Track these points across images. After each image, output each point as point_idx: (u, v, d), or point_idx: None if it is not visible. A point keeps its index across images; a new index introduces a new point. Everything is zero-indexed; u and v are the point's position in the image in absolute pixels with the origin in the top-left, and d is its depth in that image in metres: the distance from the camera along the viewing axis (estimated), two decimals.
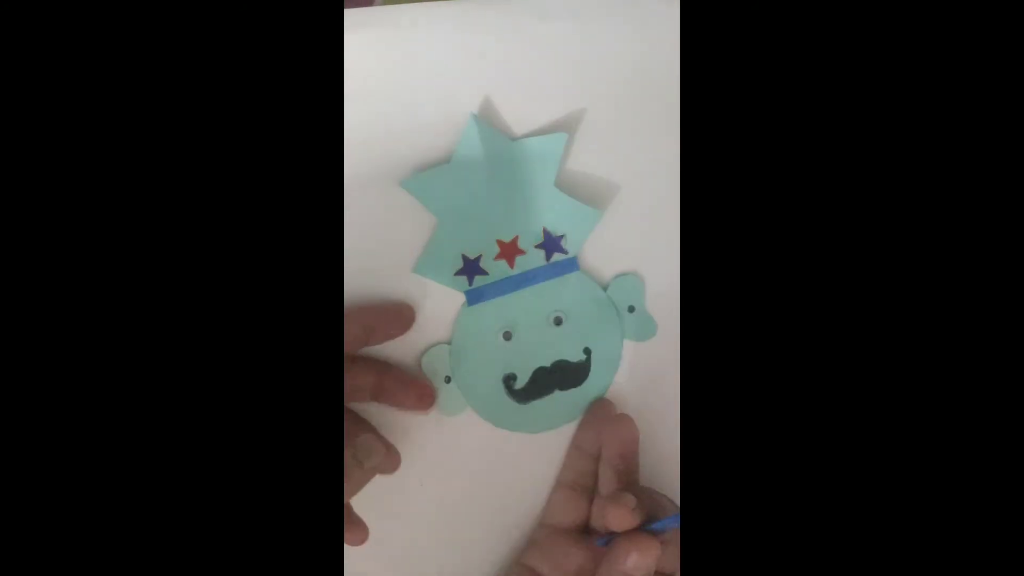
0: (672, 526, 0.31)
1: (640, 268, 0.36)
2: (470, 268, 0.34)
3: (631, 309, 0.36)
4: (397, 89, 0.32)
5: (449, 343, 0.34)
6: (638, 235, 0.36)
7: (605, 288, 0.35)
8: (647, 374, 0.37)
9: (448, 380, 0.34)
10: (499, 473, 0.36)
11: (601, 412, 0.36)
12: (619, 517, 0.31)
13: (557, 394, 0.36)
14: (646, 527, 0.31)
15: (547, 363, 0.35)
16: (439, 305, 0.35)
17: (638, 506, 0.31)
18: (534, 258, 0.34)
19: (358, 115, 0.31)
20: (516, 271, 0.34)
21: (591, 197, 0.35)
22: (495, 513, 0.37)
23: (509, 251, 0.34)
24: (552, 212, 0.34)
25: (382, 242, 0.33)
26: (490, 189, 0.33)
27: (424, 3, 0.32)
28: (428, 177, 0.33)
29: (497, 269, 0.34)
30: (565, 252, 0.34)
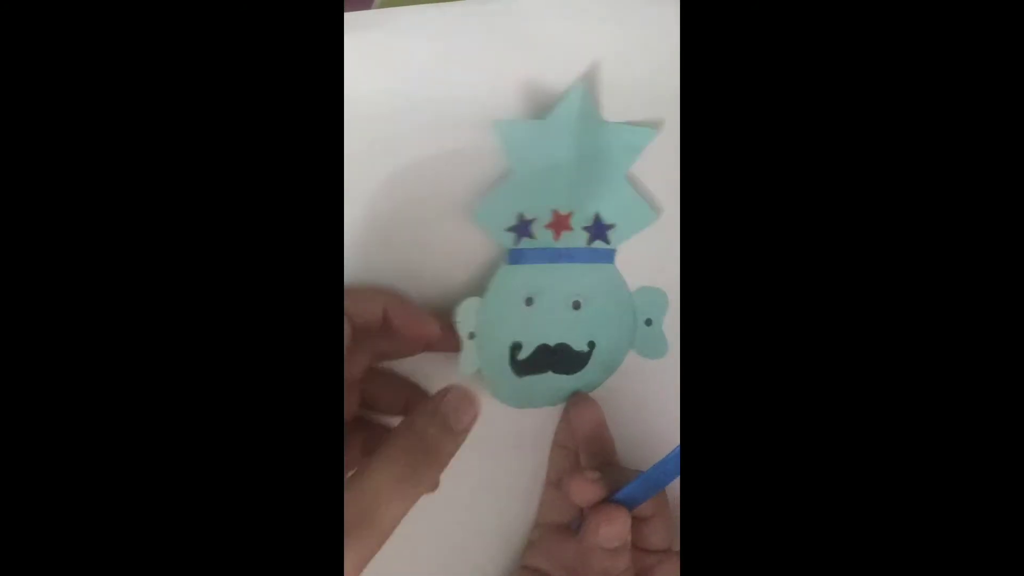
0: (640, 495, 0.31)
1: (671, 288, 0.36)
2: (522, 228, 0.33)
3: (648, 322, 0.36)
4: (395, 91, 0.31)
5: (481, 297, 0.33)
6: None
7: (631, 292, 0.36)
8: (641, 390, 0.37)
9: (472, 336, 0.33)
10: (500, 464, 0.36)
11: (572, 401, 0.36)
12: (579, 490, 0.31)
13: (550, 375, 0.35)
14: (612, 498, 0.31)
15: (552, 342, 0.35)
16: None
17: (601, 479, 0.31)
18: (577, 237, 0.34)
19: (358, 115, 0.31)
20: (558, 244, 0.34)
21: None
22: (495, 512, 0.36)
23: (560, 223, 0.34)
24: (612, 200, 0.34)
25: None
26: (570, 159, 0.33)
27: (422, 6, 0.32)
28: (521, 128, 0.32)
29: (543, 237, 0.34)
30: (607, 242, 0.35)
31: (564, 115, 0.32)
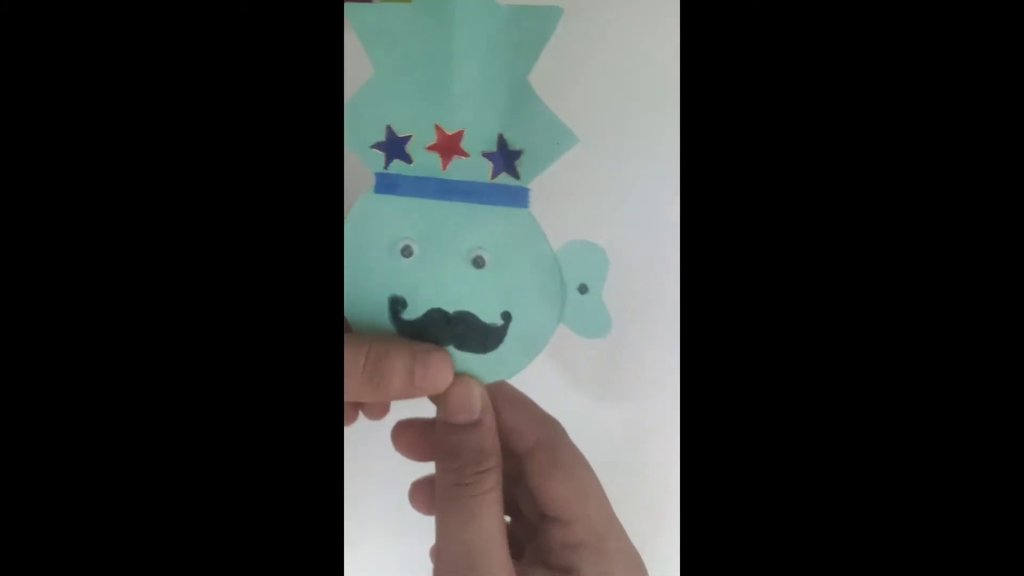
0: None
1: (607, 242, 0.27)
2: (392, 146, 0.26)
3: (583, 289, 0.27)
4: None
5: None
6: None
7: (555, 249, 0.27)
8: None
9: None
10: None
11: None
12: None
13: (452, 351, 0.26)
14: None
15: (449, 308, 0.26)
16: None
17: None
18: (476, 168, 0.26)
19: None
20: (448, 175, 0.26)
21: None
22: None
23: (447, 146, 0.26)
24: (517, 116, 0.26)
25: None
26: (450, 55, 0.26)
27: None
28: (379, 11, 0.25)
29: (425, 163, 0.26)
30: (517, 177, 0.26)
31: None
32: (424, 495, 0.31)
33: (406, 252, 0.26)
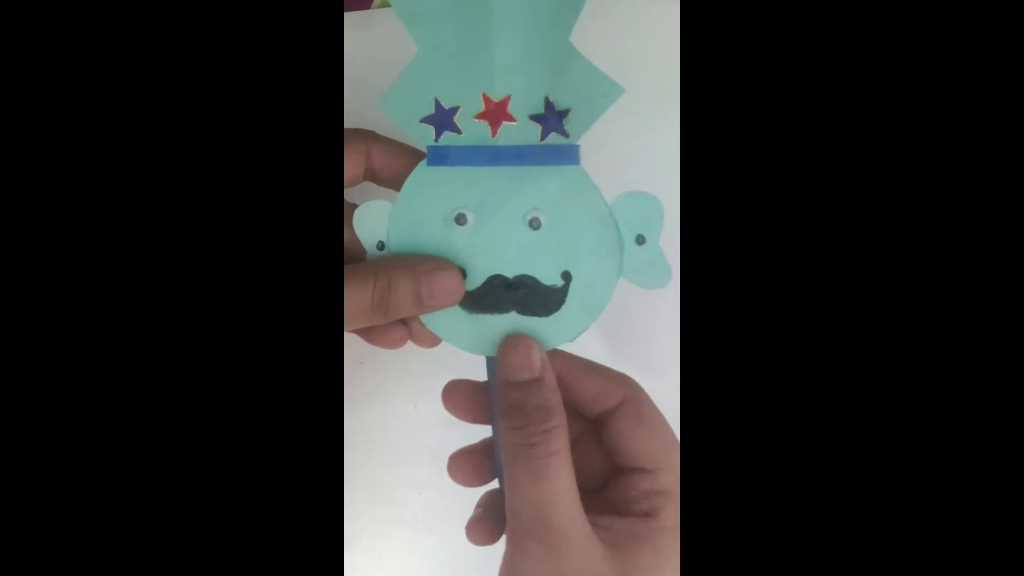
0: None
1: (664, 192, 0.27)
2: (441, 119, 0.27)
3: (640, 240, 0.27)
4: None
5: (390, 202, 0.27)
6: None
7: (609, 203, 0.27)
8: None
9: (381, 247, 0.27)
10: None
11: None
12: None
13: (515, 316, 0.27)
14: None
15: (508, 273, 0.27)
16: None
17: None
18: (525, 132, 0.27)
19: (357, 115, 0.29)
20: (498, 142, 0.27)
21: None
22: None
23: (495, 113, 0.27)
24: (560, 76, 0.26)
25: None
26: (490, 24, 0.26)
27: None
28: None
29: (474, 131, 0.27)
30: (566, 135, 0.27)
31: None
32: (465, 467, 0.30)
33: (460, 220, 0.27)
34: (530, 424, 0.25)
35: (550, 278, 0.27)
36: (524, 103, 0.27)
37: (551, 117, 0.27)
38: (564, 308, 0.27)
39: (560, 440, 0.25)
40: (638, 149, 0.30)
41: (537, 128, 0.27)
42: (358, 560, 0.34)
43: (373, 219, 0.27)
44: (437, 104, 0.27)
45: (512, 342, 0.27)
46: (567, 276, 0.27)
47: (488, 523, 0.29)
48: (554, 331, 0.27)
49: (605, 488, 0.28)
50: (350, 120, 0.29)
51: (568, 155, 0.27)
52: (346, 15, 0.31)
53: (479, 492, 0.31)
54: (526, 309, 0.27)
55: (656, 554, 0.26)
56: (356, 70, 0.28)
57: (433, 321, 0.28)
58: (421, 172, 0.27)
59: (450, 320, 0.27)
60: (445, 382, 0.30)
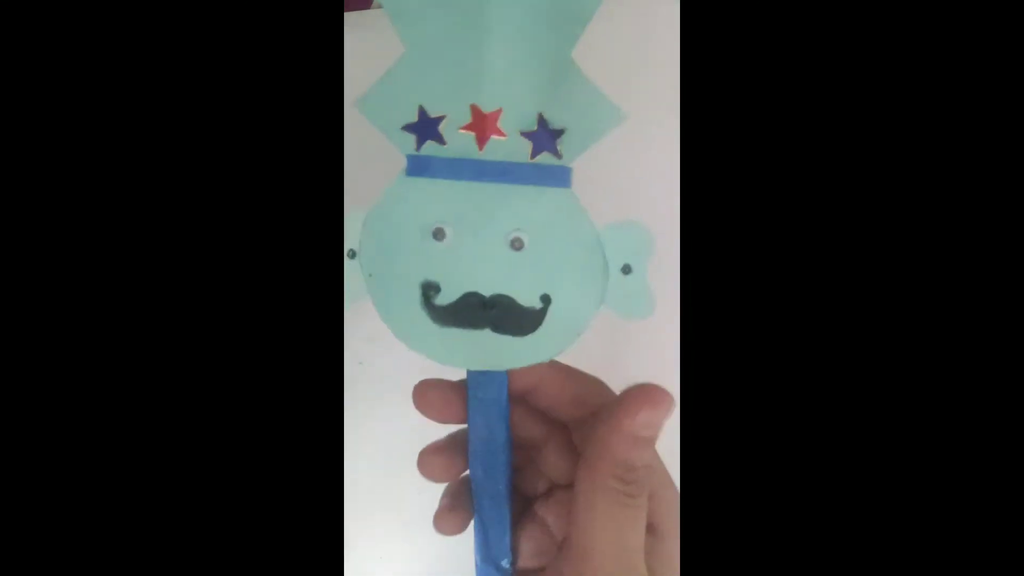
0: None
1: (656, 223, 0.26)
2: (425, 127, 0.25)
3: (626, 270, 0.26)
4: None
5: (365, 210, 0.25)
6: (649, 175, 0.26)
7: (598, 229, 0.26)
8: (619, 364, 0.27)
9: (352, 255, 0.25)
10: None
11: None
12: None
13: (489, 334, 0.26)
14: None
15: (485, 292, 0.26)
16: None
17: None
18: (514, 148, 0.25)
19: (357, 114, 0.27)
20: (484, 156, 0.25)
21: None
22: None
23: (483, 126, 0.25)
24: (558, 94, 0.24)
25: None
26: (486, 30, 0.24)
27: None
28: None
29: (459, 143, 0.25)
30: (559, 156, 0.25)
31: None
32: (436, 464, 0.30)
33: (438, 235, 0.25)
34: (637, 480, 0.25)
35: (529, 300, 0.26)
36: (515, 118, 0.25)
37: (544, 135, 0.25)
38: (540, 330, 0.26)
39: (646, 495, 0.26)
40: (634, 175, 0.28)
41: (528, 145, 0.25)
42: (358, 560, 0.34)
43: (351, 228, 0.25)
44: (421, 111, 0.25)
45: (648, 395, 0.25)
46: (546, 299, 0.26)
47: (459, 512, 0.30)
48: (528, 351, 0.27)
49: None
50: (349, 119, 0.27)
51: (558, 177, 0.25)
52: (346, 15, 0.30)
53: None
54: (500, 328, 0.26)
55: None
56: (356, 70, 0.27)
57: (401, 330, 0.27)
58: (399, 183, 0.25)
59: (420, 331, 0.26)
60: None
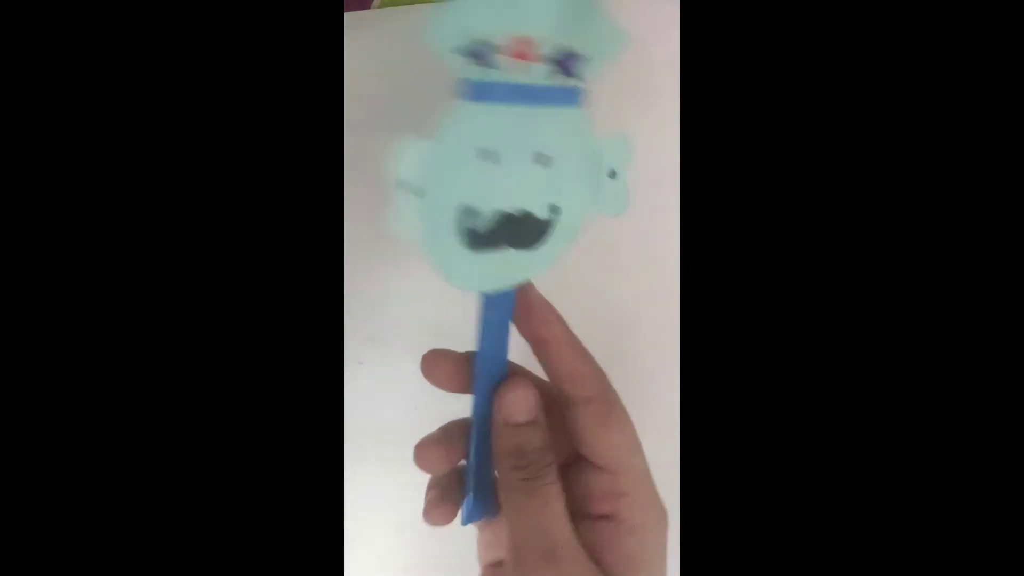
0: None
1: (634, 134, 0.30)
2: (480, 52, 0.25)
3: (612, 174, 0.30)
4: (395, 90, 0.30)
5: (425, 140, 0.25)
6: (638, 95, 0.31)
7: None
8: (619, 363, 0.32)
9: (403, 186, 0.25)
10: None
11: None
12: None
13: (505, 249, 0.28)
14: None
15: (512, 209, 0.28)
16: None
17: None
18: (541, 73, 0.27)
19: (357, 116, 0.28)
20: (520, 80, 0.27)
21: None
22: None
23: (523, 52, 0.26)
24: (578, 24, 0.27)
25: None
26: None
27: (420, 5, 0.32)
28: None
29: (504, 69, 0.26)
30: (579, 78, 0.28)
31: None
32: (432, 455, 0.31)
33: (488, 156, 0.27)
34: (531, 463, 0.27)
35: (542, 211, 0.29)
36: (544, 45, 0.27)
37: (567, 61, 0.27)
38: (546, 238, 0.29)
39: (554, 471, 0.28)
40: (638, 97, 0.32)
41: (552, 70, 0.27)
42: (358, 559, 0.33)
43: (405, 157, 0.25)
44: (473, 38, 0.25)
45: (510, 385, 0.28)
46: (555, 209, 0.29)
47: (448, 504, 0.31)
48: (536, 262, 0.29)
49: (564, 477, 0.29)
50: (350, 119, 0.28)
51: (575, 97, 0.28)
52: (346, 15, 0.30)
53: None
54: (517, 243, 0.29)
55: (628, 557, 0.28)
56: (356, 70, 0.26)
57: (436, 256, 0.27)
58: (464, 108, 0.26)
59: (453, 258, 0.27)
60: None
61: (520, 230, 0.28)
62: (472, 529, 0.32)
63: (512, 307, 0.30)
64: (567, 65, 0.28)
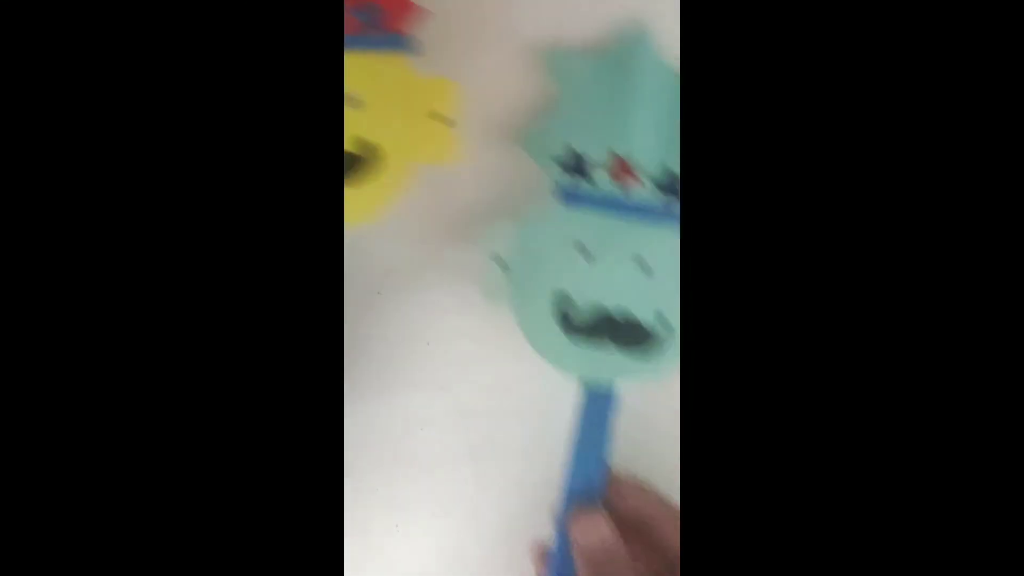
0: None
1: None
2: (574, 164, 0.30)
3: None
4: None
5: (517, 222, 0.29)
6: None
7: None
8: None
9: (498, 262, 0.29)
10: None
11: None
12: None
13: (609, 345, 0.29)
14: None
15: (612, 307, 0.29)
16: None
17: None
18: (647, 192, 0.30)
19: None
20: (617, 194, 0.30)
21: None
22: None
23: (622, 169, 0.30)
24: (670, 144, 0.30)
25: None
26: (630, 99, 0.30)
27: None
28: (574, 60, 0.30)
29: (602, 182, 0.29)
30: (676, 199, 0.30)
31: (621, 52, 0.30)
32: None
33: (583, 253, 0.29)
34: None
35: (646, 317, 0.29)
36: (646, 166, 0.30)
37: (668, 184, 0.30)
38: (653, 346, 0.30)
39: None
40: None
41: (652, 189, 0.30)
42: (358, 553, 0.33)
43: (498, 237, 0.29)
44: (570, 150, 0.29)
45: (577, 517, 0.29)
46: (660, 317, 0.30)
47: None
48: (642, 367, 0.30)
49: None
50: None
51: (673, 216, 0.30)
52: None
53: (476, 481, 0.33)
54: (620, 341, 0.29)
55: None
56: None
57: (537, 342, 0.29)
58: (556, 210, 0.29)
59: (542, 335, 0.30)
60: (447, 376, 0.33)
61: (622, 330, 0.29)
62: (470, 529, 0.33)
63: (615, 406, 0.30)
64: (668, 188, 0.30)
